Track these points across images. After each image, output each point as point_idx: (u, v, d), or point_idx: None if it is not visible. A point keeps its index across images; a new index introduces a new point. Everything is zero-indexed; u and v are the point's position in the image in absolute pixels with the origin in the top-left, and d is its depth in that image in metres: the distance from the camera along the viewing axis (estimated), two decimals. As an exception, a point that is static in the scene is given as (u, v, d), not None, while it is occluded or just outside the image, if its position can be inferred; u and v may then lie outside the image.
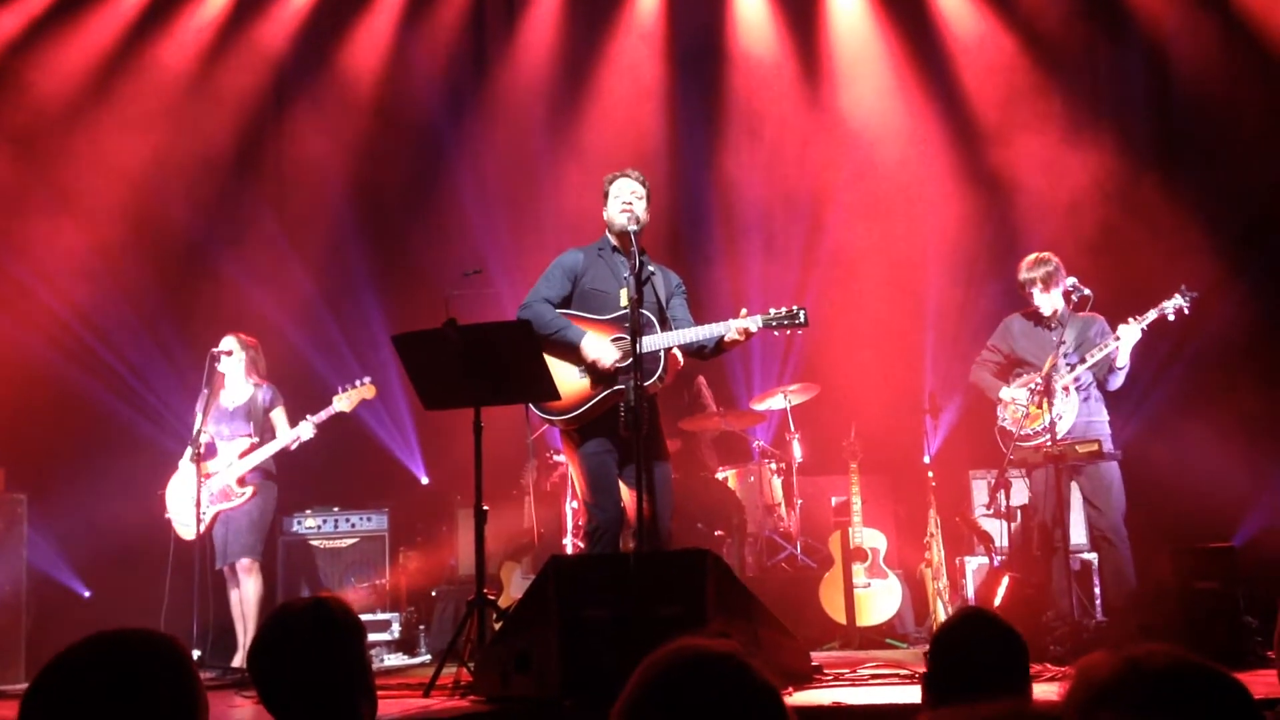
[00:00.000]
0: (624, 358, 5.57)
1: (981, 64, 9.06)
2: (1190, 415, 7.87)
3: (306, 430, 7.30)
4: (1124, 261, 7.60)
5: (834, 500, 8.26)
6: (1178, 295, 6.42)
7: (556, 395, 5.57)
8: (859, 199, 9.20)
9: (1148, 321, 6.42)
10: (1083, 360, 6.52)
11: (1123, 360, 6.47)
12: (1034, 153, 8.59)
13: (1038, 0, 8.99)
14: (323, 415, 7.34)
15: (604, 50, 9.53)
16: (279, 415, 7.43)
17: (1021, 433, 6.54)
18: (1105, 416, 6.69)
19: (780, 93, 9.44)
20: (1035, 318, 6.82)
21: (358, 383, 7.43)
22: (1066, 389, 6.50)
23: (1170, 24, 8.64)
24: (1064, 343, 6.50)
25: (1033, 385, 6.51)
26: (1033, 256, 6.76)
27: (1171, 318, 6.46)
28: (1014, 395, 6.67)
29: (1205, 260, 7.48)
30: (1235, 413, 7.64)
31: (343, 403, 7.36)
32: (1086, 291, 6.48)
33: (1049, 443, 6.33)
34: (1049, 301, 6.66)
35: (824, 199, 9.37)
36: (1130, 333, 6.40)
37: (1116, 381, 6.61)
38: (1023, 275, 6.75)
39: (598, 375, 5.66)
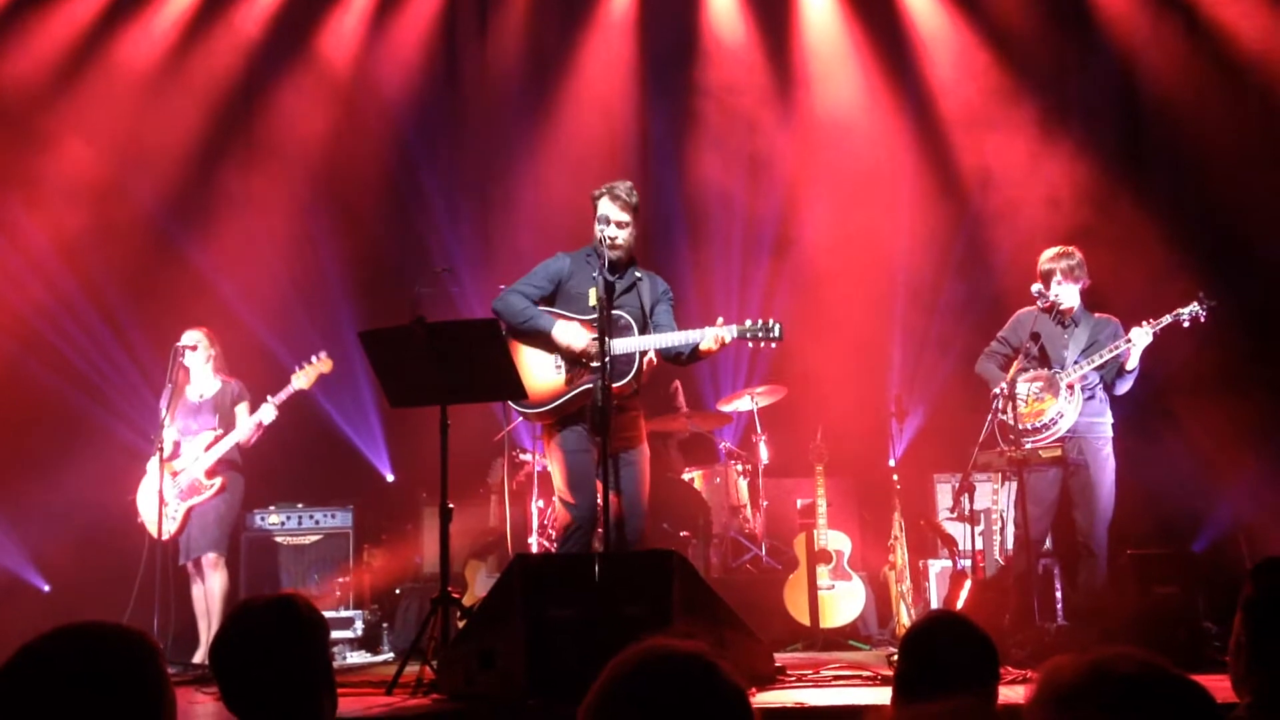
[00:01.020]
0: (594, 345, 5.58)
1: (953, 70, 9.10)
2: (1153, 422, 7.92)
3: (268, 412, 7.24)
4: (1092, 269, 7.65)
5: (799, 502, 8.28)
6: (1195, 303, 6.38)
7: (524, 394, 5.59)
8: (829, 202, 9.22)
9: (1161, 326, 6.37)
10: (1090, 359, 6.47)
11: (1133, 363, 6.41)
12: (1004, 158, 8.64)
13: (1010, 11, 9.03)
14: (283, 395, 7.27)
15: (576, 48, 9.51)
16: (242, 409, 7.38)
17: (1009, 425, 6.44)
18: (1109, 418, 6.61)
19: (752, 93, 9.44)
20: (1049, 312, 6.69)
21: (314, 359, 7.36)
22: (1071, 387, 6.45)
23: (1140, 36, 8.70)
24: (1027, 347, 6.48)
25: (999, 389, 6.48)
26: (1057, 248, 6.65)
27: (1186, 324, 6.41)
28: (1022, 390, 6.53)
29: (1175, 269, 7.53)
30: (1198, 420, 7.70)
31: (301, 380, 7.29)
32: (1062, 305, 6.51)
33: (1014, 445, 6.33)
34: (1066, 293, 6.54)
35: (794, 200, 9.39)
36: (1142, 336, 6.34)
37: (1125, 385, 6.56)
38: (1044, 265, 6.62)
39: (572, 371, 5.68)
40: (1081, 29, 8.94)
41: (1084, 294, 6.65)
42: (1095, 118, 8.88)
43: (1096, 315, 6.68)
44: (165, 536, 7.06)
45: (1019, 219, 8.42)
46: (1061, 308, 6.58)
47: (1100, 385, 6.60)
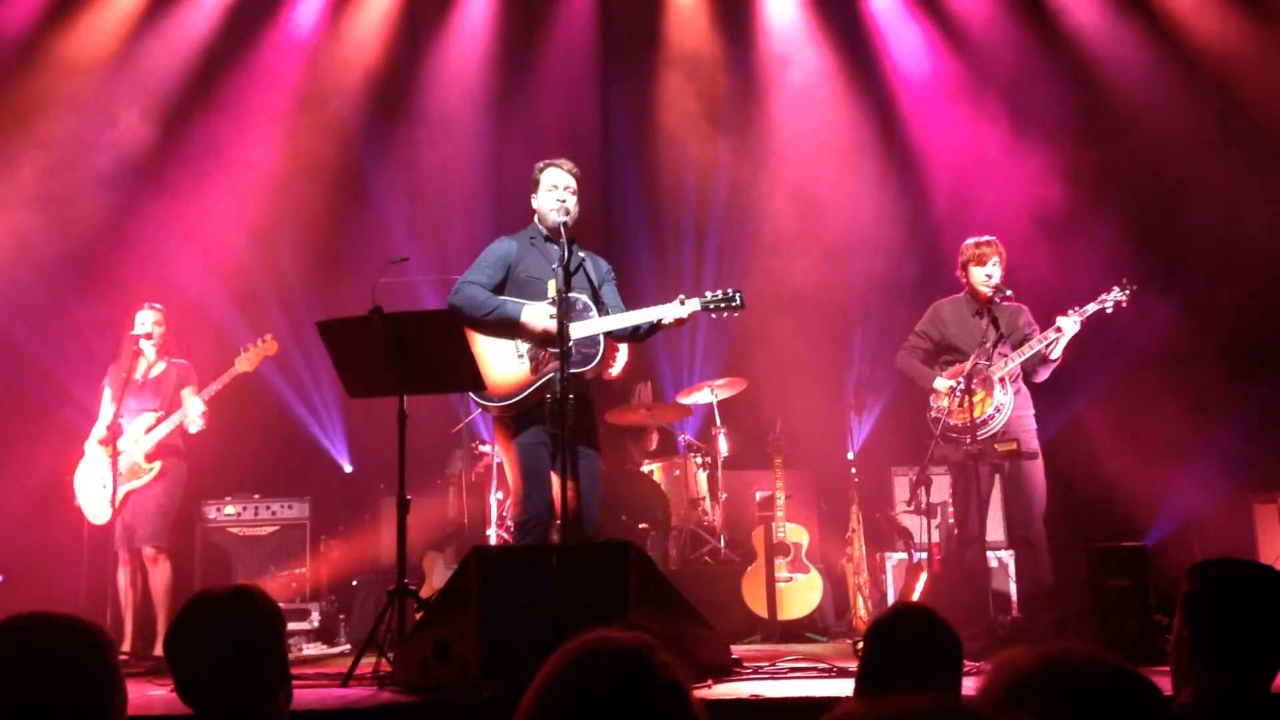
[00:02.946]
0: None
1: (917, 68, 9.15)
2: (1106, 416, 8.00)
3: (200, 400, 7.13)
4: (1051, 265, 7.71)
5: (758, 495, 8.30)
6: (1116, 289, 6.42)
7: (482, 385, 5.57)
8: (790, 194, 9.24)
9: (1087, 314, 6.40)
10: (1019, 350, 6.51)
11: (1057, 353, 6.46)
12: (966, 155, 8.69)
13: (972, 14, 9.06)
14: (225, 378, 7.16)
15: (536, 40, 9.48)
16: (188, 393, 7.25)
17: (951, 423, 6.50)
18: (1032, 410, 6.68)
19: (714, 87, 9.46)
20: (965, 304, 6.79)
21: (258, 341, 7.27)
22: (1003, 381, 6.50)
23: (1101, 39, 8.77)
24: (987, 341, 6.51)
25: (956, 383, 6.50)
26: (986, 237, 6.70)
27: (1110, 310, 6.45)
28: (949, 385, 6.58)
29: (1127, 266, 7.61)
30: (1150, 414, 7.78)
31: (243, 363, 7.18)
32: (1009, 292, 6.55)
33: (970, 440, 6.37)
34: (988, 281, 6.59)
35: (755, 193, 9.40)
36: (1071, 326, 6.38)
37: (1045, 374, 6.62)
38: (971, 251, 6.68)
39: (537, 359, 5.65)
40: (1042, 26, 8.97)
41: (995, 289, 6.62)
42: (1054, 111, 8.92)
43: (1006, 304, 6.71)
44: (103, 521, 6.97)
45: (980, 213, 8.46)
46: (983, 292, 6.60)
47: (1021, 376, 6.65)
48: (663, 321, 5.68)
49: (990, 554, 7.01)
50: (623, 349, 5.85)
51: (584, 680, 1.54)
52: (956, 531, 6.91)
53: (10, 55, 8.59)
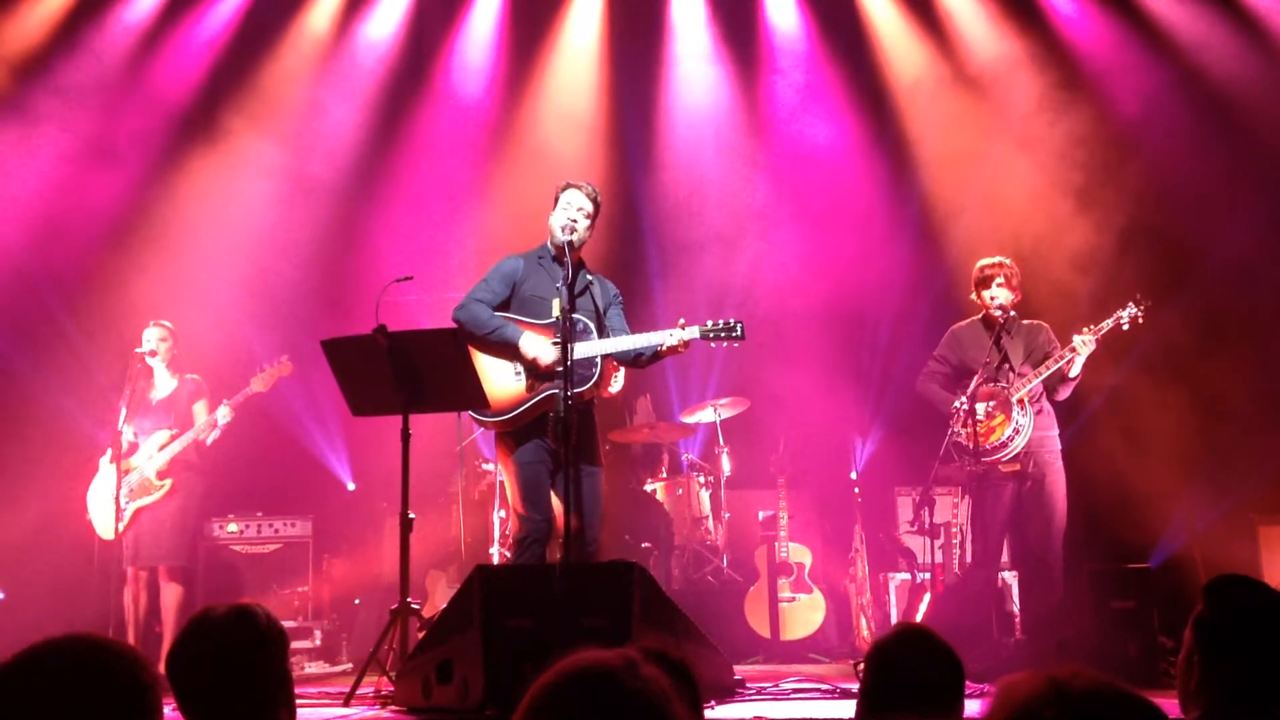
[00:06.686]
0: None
1: (925, 89, 9.14)
2: (1110, 437, 7.99)
3: (224, 414, 7.17)
4: (1058, 286, 7.71)
5: (761, 514, 8.30)
6: (1131, 305, 6.43)
7: (486, 404, 5.57)
8: (795, 214, 9.25)
9: (1103, 331, 6.39)
10: (1040, 369, 6.50)
11: (1076, 371, 6.44)
12: (971, 175, 8.69)
13: (982, 40, 9.06)
14: (239, 397, 7.21)
15: (541, 63, 9.51)
16: (200, 408, 7.30)
17: (963, 445, 6.45)
18: (1056, 430, 6.63)
19: (720, 105, 9.47)
20: (980, 326, 6.77)
21: (274, 362, 7.32)
22: (1022, 402, 6.48)
23: (1114, 69, 8.77)
24: (991, 362, 6.51)
25: (959, 403, 6.49)
26: (994, 259, 6.69)
27: (1126, 327, 6.45)
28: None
29: (1134, 286, 7.61)
30: (1155, 436, 7.77)
31: (258, 384, 7.24)
32: (1014, 313, 6.55)
33: (972, 460, 6.35)
34: (1001, 297, 6.57)
35: (760, 213, 9.41)
36: (1085, 345, 6.36)
37: (1066, 392, 6.60)
38: (986, 270, 6.65)
39: (534, 376, 5.66)
40: (1057, 61, 8.96)
41: (1016, 305, 6.66)
42: (1062, 146, 8.90)
43: (1025, 322, 6.72)
44: (113, 537, 6.98)
45: (984, 236, 8.46)
46: (994, 311, 6.60)
47: (1043, 395, 6.62)
48: (664, 347, 5.68)
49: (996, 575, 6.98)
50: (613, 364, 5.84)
51: (566, 700, 1.54)
52: (972, 551, 6.86)
53: (5, 72, 8.60)
